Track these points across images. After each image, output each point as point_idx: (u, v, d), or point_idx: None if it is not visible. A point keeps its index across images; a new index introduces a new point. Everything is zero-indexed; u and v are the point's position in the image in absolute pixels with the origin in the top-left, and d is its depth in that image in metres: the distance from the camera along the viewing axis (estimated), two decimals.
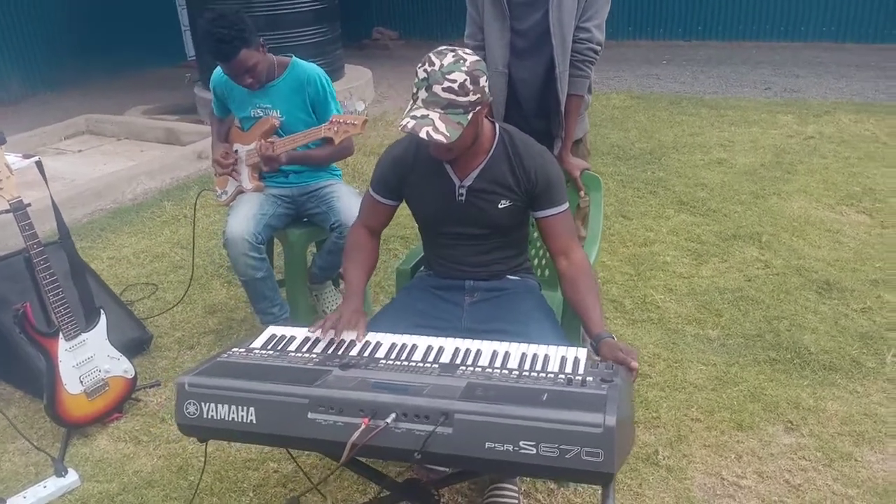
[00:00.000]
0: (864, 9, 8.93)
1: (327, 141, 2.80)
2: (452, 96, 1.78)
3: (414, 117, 1.80)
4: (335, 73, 7.10)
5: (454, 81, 1.78)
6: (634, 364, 1.74)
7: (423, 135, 1.78)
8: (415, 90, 1.82)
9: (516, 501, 2.15)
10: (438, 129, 1.78)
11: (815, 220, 4.09)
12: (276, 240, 3.33)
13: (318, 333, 1.90)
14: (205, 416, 1.67)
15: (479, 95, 1.82)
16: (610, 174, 4.91)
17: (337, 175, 3.10)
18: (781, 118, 6.09)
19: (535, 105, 2.54)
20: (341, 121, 2.64)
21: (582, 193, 2.55)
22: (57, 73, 8.97)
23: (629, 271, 3.62)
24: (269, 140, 2.77)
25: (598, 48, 2.46)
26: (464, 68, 1.79)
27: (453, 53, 1.81)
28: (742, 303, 3.28)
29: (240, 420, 1.65)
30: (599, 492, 2.20)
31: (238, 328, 3.30)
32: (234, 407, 1.66)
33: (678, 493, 2.22)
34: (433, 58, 1.80)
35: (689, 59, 8.83)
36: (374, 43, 11.03)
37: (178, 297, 3.56)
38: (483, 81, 1.83)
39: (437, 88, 1.78)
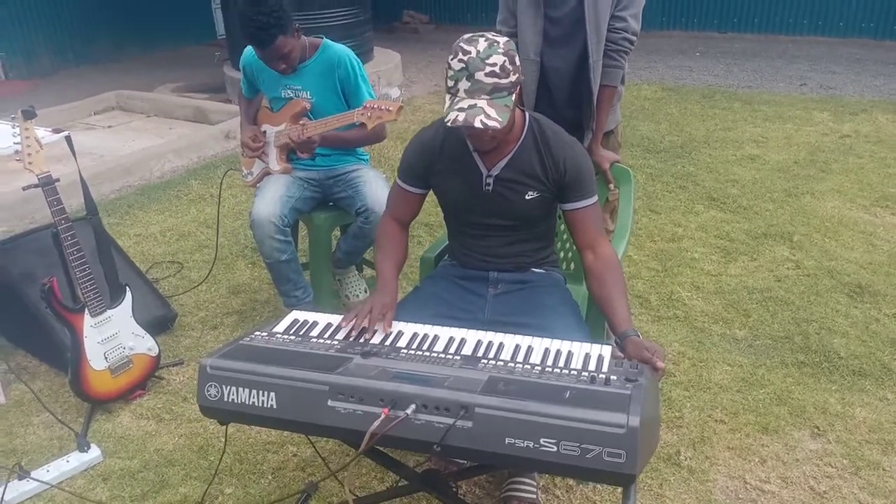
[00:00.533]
0: None
1: (360, 126, 2.79)
2: (496, 80, 1.75)
3: (461, 109, 1.76)
4: (364, 55, 7.07)
5: (495, 65, 1.75)
6: (660, 364, 1.71)
7: (477, 124, 1.74)
8: (452, 83, 1.78)
9: (534, 496, 2.13)
10: (490, 115, 1.75)
11: (848, 221, 4.00)
12: (300, 223, 3.33)
13: (348, 325, 1.88)
14: (226, 399, 1.67)
15: (517, 75, 1.80)
16: (639, 167, 4.84)
17: (364, 159, 3.08)
18: (817, 115, 5.96)
19: (567, 94, 2.50)
20: (375, 106, 2.60)
21: (611, 186, 2.51)
22: (88, 47, 9.05)
23: (656, 267, 3.57)
24: (300, 123, 2.76)
25: (634, 38, 2.41)
26: (500, 50, 1.76)
27: (484, 38, 1.78)
28: (771, 303, 3.22)
29: (260, 405, 1.65)
30: (620, 491, 2.18)
31: (262, 309, 3.31)
32: (254, 391, 1.65)
33: (700, 495, 2.19)
34: (466, 46, 1.76)
35: (724, 52, 8.67)
36: (403, 26, 10.98)
37: (202, 277, 3.57)
38: (517, 60, 1.81)
39: (479, 75, 1.74)
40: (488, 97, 1.76)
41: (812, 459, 2.32)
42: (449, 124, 1.78)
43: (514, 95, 1.80)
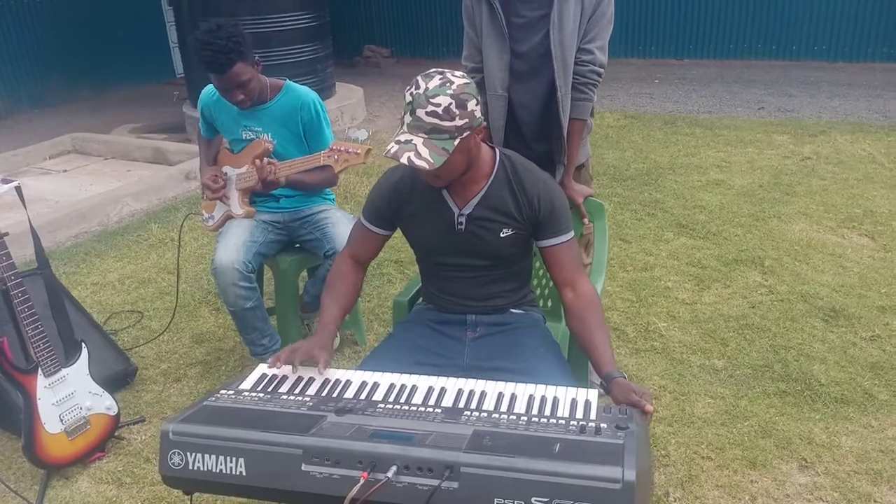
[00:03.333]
0: (854, 28, 8.95)
1: (325, 168, 2.71)
2: (436, 121, 1.69)
3: (398, 142, 1.71)
4: (326, 91, 7.02)
5: (438, 105, 1.68)
6: (649, 407, 1.64)
7: (404, 160, 1.69)
8: (402, 113, 1.75)
9: None
10: (421, 154, 1.69)
11: (816, 244, 4.02)
12: (265, 267, 3.23)
13: (273, 364, 1.79)
14: (191, 467, 1.55)
15: (466, 120, 1.72)
16: (606, 195, 4.83)
17: (330, 199, 2.99)
18: (777, 138, 6.05)
19: (536, 129, 2.45)
20: (342, 149, 2.51)
21: (585, 221, 2.46)
22: (42, 90, 8.86)
23: (630, 297, 3.53)
24: (269, 161, 2.65)
25: (601, 70, 2.38)
26: (449, 91, 1.69)
27: (441, 76, 1.72)
28: (747, 331, 3.19)
29: (228, 472, 1.54)
30: None
31: (227, 358, 3.18)
32: (221, 457, 1.54)
33: None
34: (420, 80, 1.72)
35: (681, 78, 8.81)
36: (365, 61, 10.98)
37: (164, 326, 3.43)
38: (472, 105, 1.72)
39: (420, 112, 1.69)
40: (426, 136, 1.70)
41: (802, 494, 2.27)
42: (384, 154, 1.73)
43: (458, 140, 1.72)
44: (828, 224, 4.28)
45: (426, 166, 1.69)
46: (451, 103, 1.69)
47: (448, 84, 1.70)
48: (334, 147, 2.53)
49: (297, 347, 1.82)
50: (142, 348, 3.27)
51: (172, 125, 7.48)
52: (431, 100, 1.68)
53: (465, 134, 1.73)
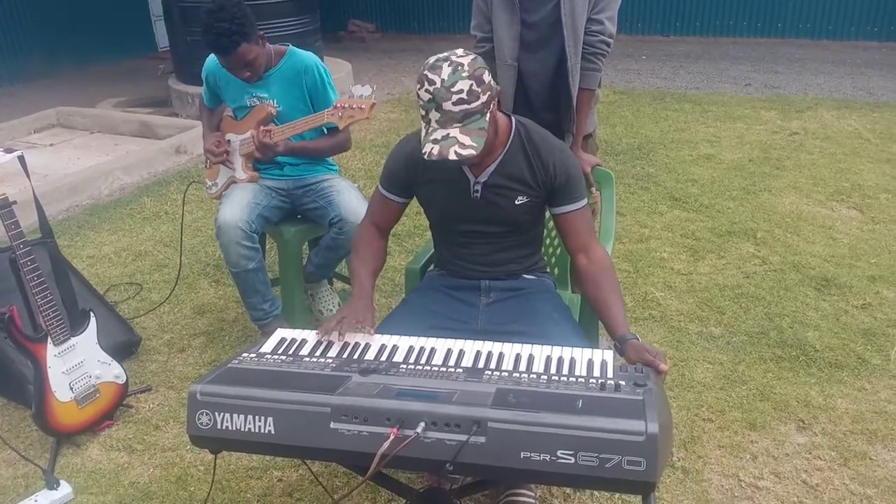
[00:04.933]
0: (838, 6, 9.02)
1: (329, 131, 2.71)
2: (465, 107, 1.70)
3: (435, 141, 1.71)
4: None
5: (461, 91, 1.69)
6: (663, 367, 1.69)
7: (452, 156, 1.70)
8: (424, 112, 1.74)
9: None
10: (465, 144, 1.71)
11: (807, 216, 4.10)
12: (268, 238, 3.23)
13: (323, 335, 1.82)
14: (219, 426, 1.58)
15: (488, 93, 1.74)
16: None
17: (334, 170, 3.00)
18: (765, 114, 6.11)
19: (546, 98, 2.48)
20: (346, 105, 2.51)
21: (593, 190, 2.50)
22: (23, 64, 8.69)
23: (627, 268, 3.58)
24: (265, 128, 2.66)
25: (610, 41, 2.40)
26: (465, 74, 1.70)
27: (448, 63, 1.71)
28: (743, 300, 3.26)
29: (257, 430, 1.56)
30: (617, 497, 2.16)
31: (230, 329, 3.19)
32: (250, 417, 1.57)
33: (696, 495, 2.18)
34: (430, 75, 1.70)
35: (668, 55, 8.85)
36: (350, 35, 10.88)
37: (163, 297, 3.43)
38: (486, 77, 1.74)
39: (447, 105, 1.69)
40: (460, 125, 1.71)
41: (801, 453, 2.34)
42: (426, 157, 1.73)
43: (488, 114, 1.75)
44: (817, 197, 4.36)
45: (473, 153, 1.71)
46: (471, 84, 1.70)
47: (460, 68, 1.70)
48: (338, 104, 2.53)
49: (344, 316, 1.84)
50: (143, 319, 3.27)
51: (158, 99, 7.38)
52: (452, 89, 1.69)
53: (491, 106, 1.77)
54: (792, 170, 4.81)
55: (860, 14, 8.97)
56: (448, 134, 1.71)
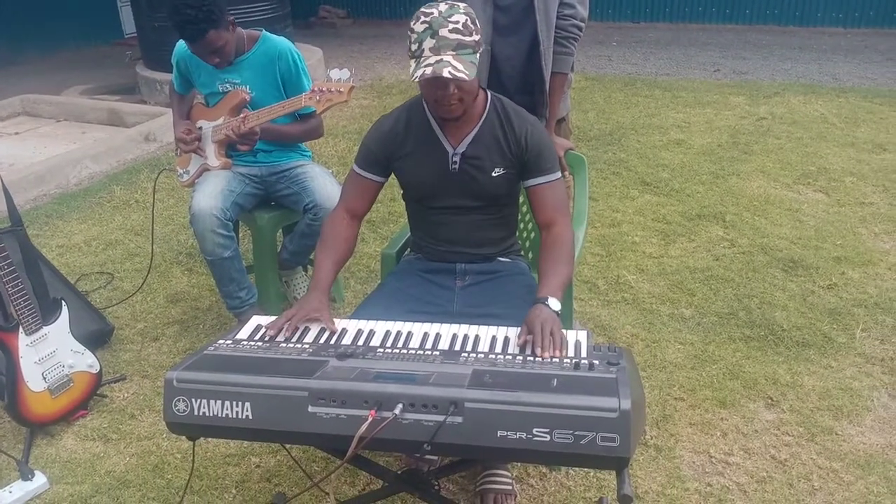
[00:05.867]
0: None
1: (301, 117, 2.73)
2: (460, 37, 1.78)
3: (429, 65, 1.77)
4: None
5: (458, 22, 1.78)
6: (537, 350, 1.64)
7: (446, 74, 1.75)
8: (416, 46, 1.80)
9: (510, 487, 2.11)
10: (458, 68, 1.77)
11: (774, 200, 4.17)
12: (242, 226, 3.21)
13: (274, 331, 1.79)
14: (196, 413, 1.58)
15: (479, 36, 1.84)
16: None
17: (307, 155, 2.99)
18: (733, 99, 6.19)
19: (518, 82, 2.49)
20: (325, 89, 2.50)
21: (566, 174, 2.52)
22: None
23: (600, 252, 3.62)
24: (242, 115, 2.64)
25: (582, 24, 2.42)
26: (461, 11, 1.80)
27: (445, 2, 1.82)
28: (712, 282, 3.32)
29: (234, 416, 1.57)
30: (592, 474, 2.20)
31: (204, 317, 3.17)
32: (227, 402, 1.57)
33: (668, 472, 2.23)
34: (426, 10, 1.81)
35: (639, 41, 8.91)
36: (321, 21, 10.79)
37: (136, 286, 3.39)
38: (477, 24, 1.85)
39: (444, 31, 1.77)
40: (454, 52, 1.78)
41: (770, 430, 2.40)
42: (416, 79, 1.79)
43: (478, 55, 1.83)
44: (784, 181, 4.44)
45: (466, 77, 1.78)
46: (466, 19, 1.79)
47: (456, 6, 1.81)
48: (315, 88, 2.52)
49: (293, 314, 1.83)
50: (115, 308, 3.24)
51: (125, 86, 7.26)
52: (450, 19, 1.77)
53: (479, 50, 1.84)
54: (760, 154, 4.88)
55: (826, 1, 9.11)
56: (441, 59, 1.77)
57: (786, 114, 5.73)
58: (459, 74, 1.76)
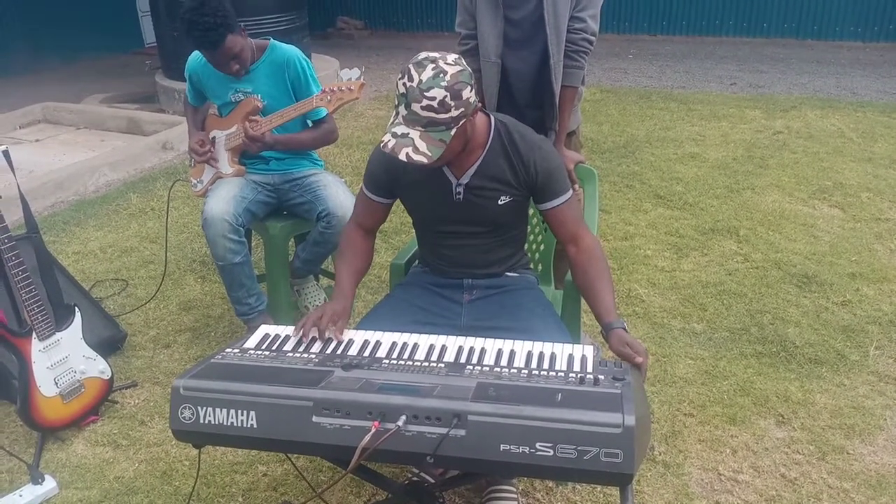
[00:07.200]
0: (822, 7, 9.10)
1: (314, 123, 2.77)
2: (432, 114, 1.69)
3: (395, 135, 1.73)
4: None
5: (433, 99, 1.67)
6: (638, 360, 1.71)
7: (402, 157, 1.71)
8: (396, 103, 1.75)
9: (515, 502, 2.11)
10: (419, 149, 1.71)
11: (789, 214, 4.14)
12: (254, 235, 3.24)
13: (298, 333, 1.82)
14: (202, 420, 1.59)
15: (462, 109, 1.71)
16: None
17: (319, 164, 3.01)
18: (749, 113, 6.16)
19: (529, 96, 2.50)
20: (335, 88, 2.51)
21: (576, 187, 2.52)
22: (8, 59, 8.61)
23: (612, 265, 3.61)
24: (253, 118, 2.68)
25: (593, 38, 2.42)
26: (444, 83, 1.67)
27: (433, 66, 1.69)
28: (725, 297, 3.30)
29: (239, 425, 1.58)
30: (599, 490, 2.19)
31: (216, 325, 3.20)
32: (233, 411, 1.58)
33: (676, 488, 2.21)
34: (412, 71, 1.69)
35: (655, 54, 8.89)
36: (338, 32, 10.87)
37: (150, 294, 3.43)
38: (467, 93, 1.71)
39: (415, 107, 1.69)
40: (422, 129, 1.71)
41: (780, 448, 2.38)
42: (380, 146, 1.75)
43: (454, 129, 1.73)
44: (799, 195, 4.41)
45: (424, 161, 1.72)
46: (445, 96, 1.68)
47: (442, 75, 1.68)
48: (326, 88, 2.54)
49: (323, 313, 1.84)
50: (129, 315, 3.27)
51: (144, 95, 7.35)
52: (426, 93, 1.67)
53: (461, 122, 1.75)
54: (775, 168, 4.85)
55: (844, 15, 9.05)
56: (408, 133, 1.72)
57: (802, 128, 5.69)
58: (417, 158, 1.70)
